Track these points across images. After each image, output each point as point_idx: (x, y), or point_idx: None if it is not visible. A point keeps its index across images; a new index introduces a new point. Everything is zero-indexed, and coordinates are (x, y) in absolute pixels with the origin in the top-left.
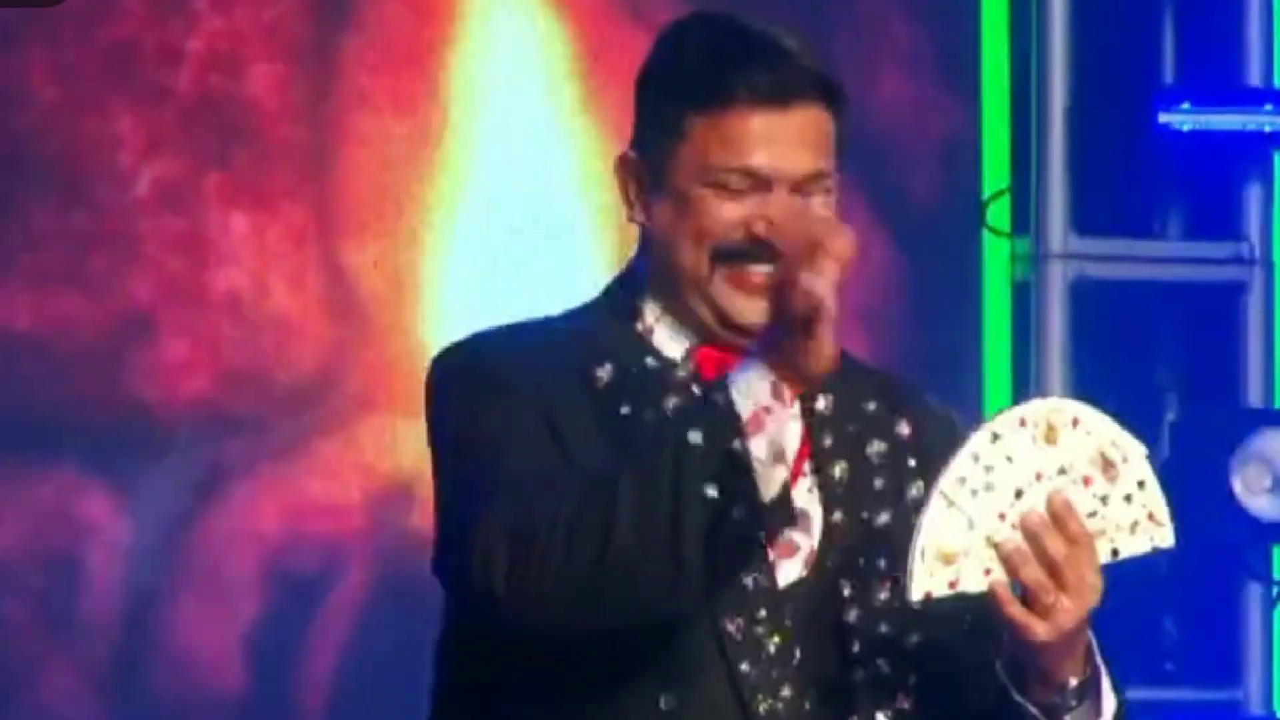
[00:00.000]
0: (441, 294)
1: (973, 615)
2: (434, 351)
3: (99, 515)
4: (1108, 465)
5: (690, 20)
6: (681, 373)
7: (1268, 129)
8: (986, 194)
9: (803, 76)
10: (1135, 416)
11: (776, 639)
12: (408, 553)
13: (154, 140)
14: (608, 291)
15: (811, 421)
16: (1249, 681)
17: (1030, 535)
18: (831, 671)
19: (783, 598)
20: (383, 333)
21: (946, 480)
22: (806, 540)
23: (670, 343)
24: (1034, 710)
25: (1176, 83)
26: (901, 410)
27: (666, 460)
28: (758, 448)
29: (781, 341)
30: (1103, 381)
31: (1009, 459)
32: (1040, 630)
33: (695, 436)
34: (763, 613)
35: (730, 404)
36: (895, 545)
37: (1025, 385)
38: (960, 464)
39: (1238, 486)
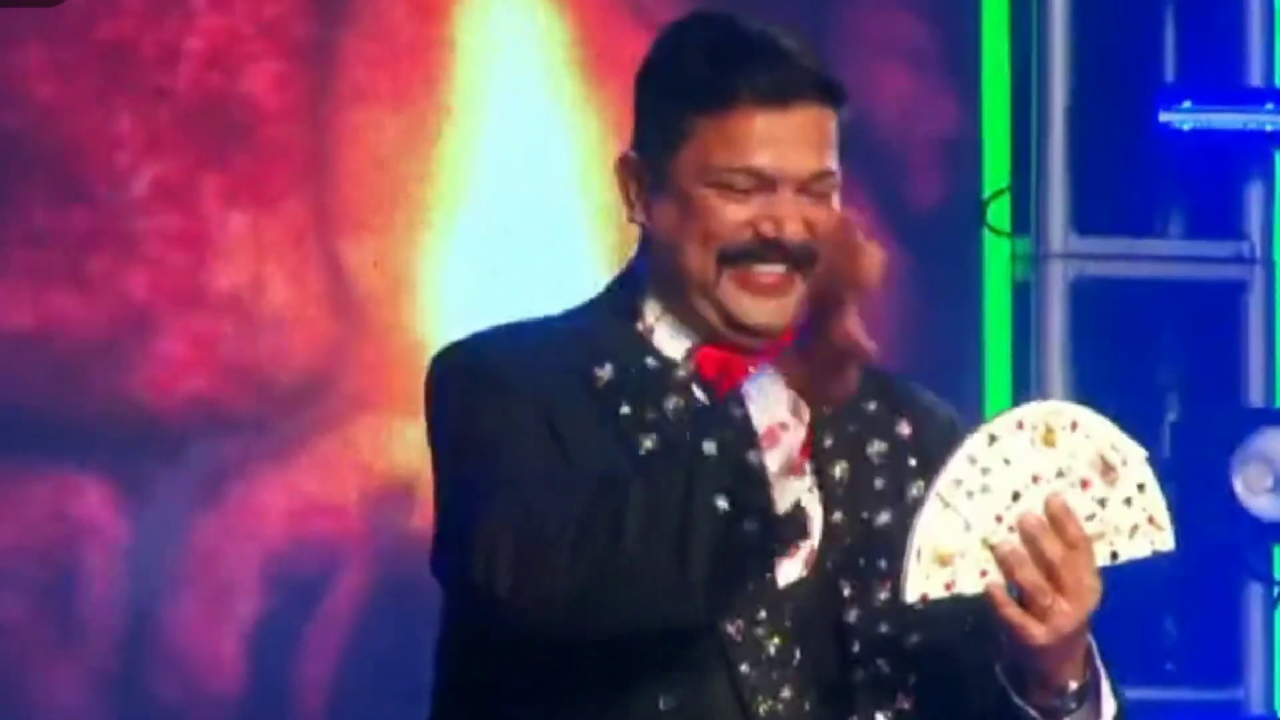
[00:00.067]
0: (441, 292)
1: (973, 616)
2: (433, 350)
3: (97, 515)
4: (1107, 468)
5: (689, 20)
6: (682, 373)
7: (1269, 128)
8: (987, 193)
9: (804, 76)
10: (1136, 416)
11: (776, 640)
12: (407, 552)
13: (153, 138)
14: (608, 291)
15: (812, 421)
16: (1250, 682)
17: (1027, 537)
18: (831, 672)
19: (783, 598)
20: (382, 331)
21: (942, 482)
22: (806, 540)
23: (670, 342)
24: (1033, 713)
25: (1177, 82)
26: (902, 410)
27: (679, 469)
28: (772, 461)
29: (806, 362)
30: (1103, 381)
31: (1006, 461)
32: (1037, 632)
33: (710, 447)
34: (762, 613)
35: (746, 417)
36: (896, 545)
37: (1026, 385)
38: (956, 466)
39: (1239, 486)
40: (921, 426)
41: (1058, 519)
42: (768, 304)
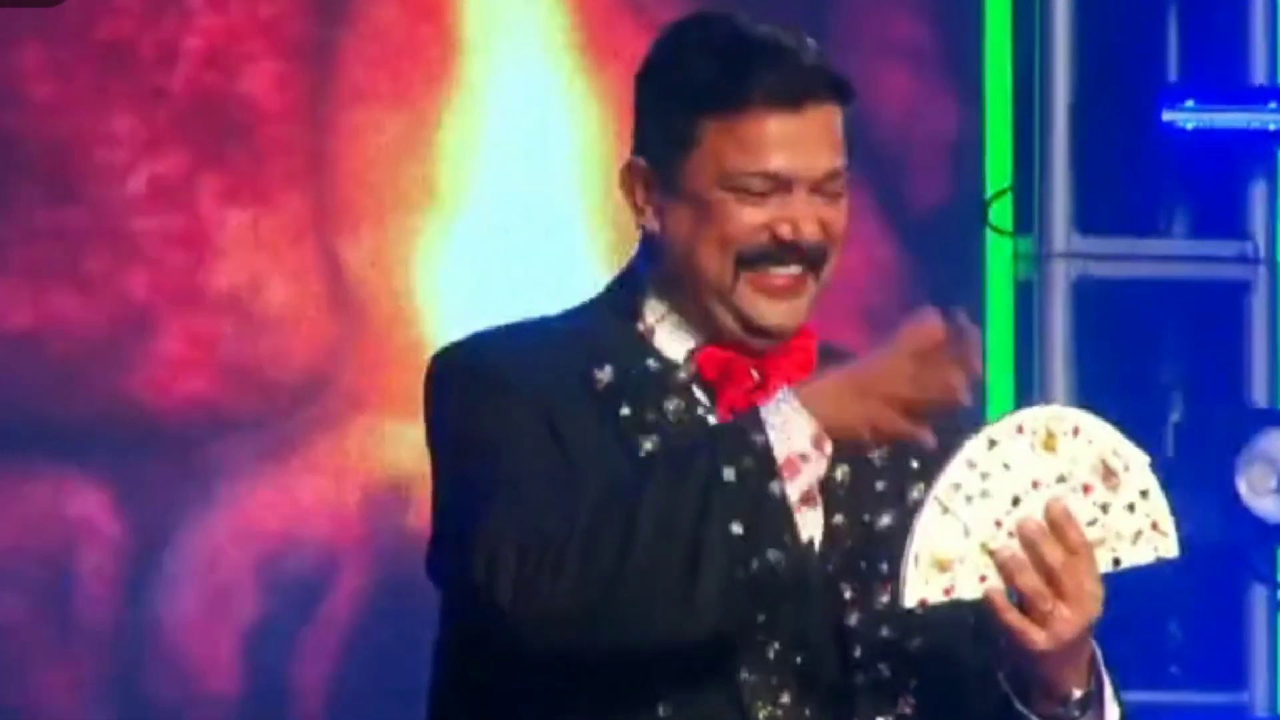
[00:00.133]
0: (440, 292)
1: (975, 619)
2: (432, 349)
3: (94, 514)
4: (1109, 474)
5: (690, 21)
6: (682, 374)
7: (1272, 127)
8: (989, 193)
9: (815, 75)
10: (1139, 417)
11: (776, 644)
12: (406, 553)
13: (150, 137)
14: (608, 291)
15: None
16: (1254, 684)
17: (1028, 543)
18: (832, 676)
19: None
20: (381, 331)
21: (941, 486)
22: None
23: (672, 343)
24: None
25: (1180, 81)
26: None
27: (693, 492)
28: (791, 492)
29: (846, 407)
30: (1106, 382)
31: (1006, 466)
32: (1038, 638)
33: (729, 474)
34: (762, 617)
35: (767, 445)
36: (897, 548)
37: (1028, 385)
38: (955, 470)
39: (1242, 487)
40: None
41: (1058, 524)
42: (782, 305)
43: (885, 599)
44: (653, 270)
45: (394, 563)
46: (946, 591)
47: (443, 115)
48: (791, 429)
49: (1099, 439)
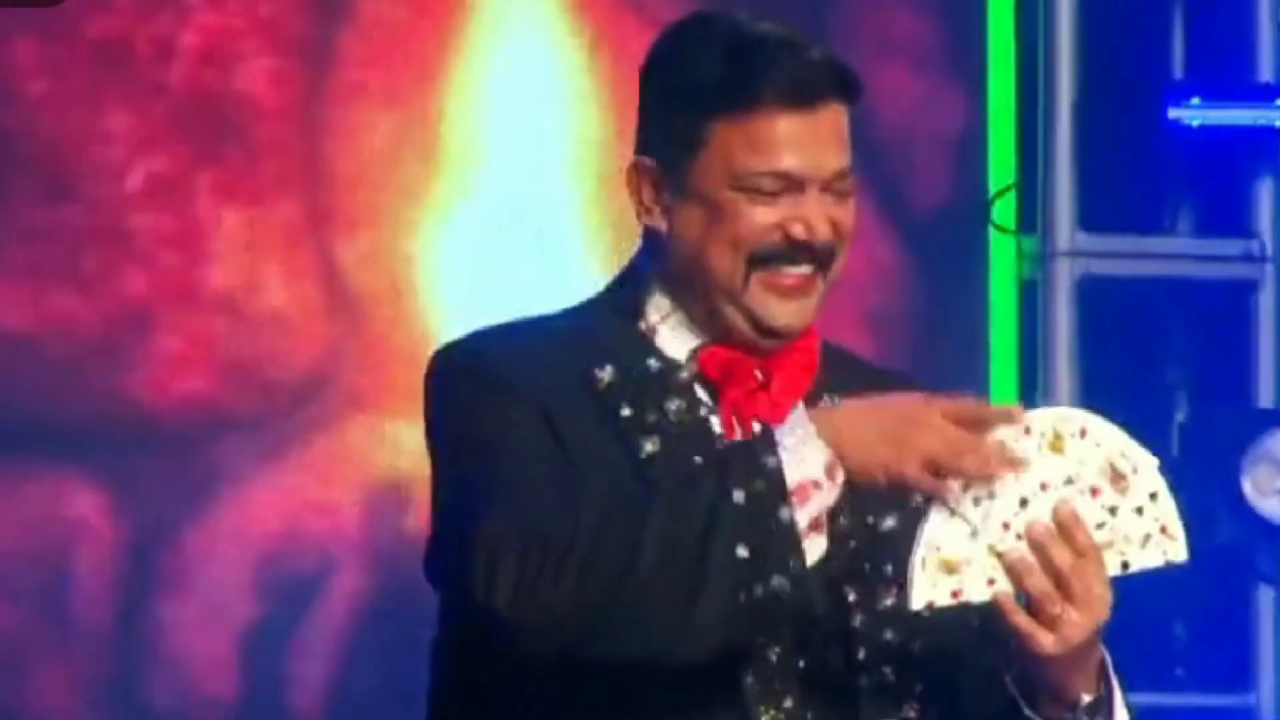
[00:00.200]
0: (437, 291)
1: (981, 622)
2: (430, 350)
3: (90, 515)
4: (1117, 476)
5: (692, 21)
6: (684, 374)
7: (1278, 124)
8: (992, 191)
9: (824, 74)
10: (1144, 417)
11: (779, 647)
12: (404, 553)
13: (146, 136)
14: (609, 290)
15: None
16: (1261, 686)
17: (1036, 545)
18: (835, 679)
19: None
20: (378, 330)
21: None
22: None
23: (674, 342)
24: None
25: (1186, 78)
26: None
27: (700, 511)
28: (800, 518)
29: (868, 447)
30: (1111, 381)
31: None
32: (1046, 641)
33: (738, 495)
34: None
35: (779, 468)
36: (901, 550)
37: (1032, 384)
38: None
39: (1248, 488)
40: None
41: (1066, 527)
42: (792, 305)
43: (889, 601)
44: (657, 269)
45: (393, 564)
46: (954, 594)
47: (441, 113)
48: (806, 453)
49: (1107, 441)
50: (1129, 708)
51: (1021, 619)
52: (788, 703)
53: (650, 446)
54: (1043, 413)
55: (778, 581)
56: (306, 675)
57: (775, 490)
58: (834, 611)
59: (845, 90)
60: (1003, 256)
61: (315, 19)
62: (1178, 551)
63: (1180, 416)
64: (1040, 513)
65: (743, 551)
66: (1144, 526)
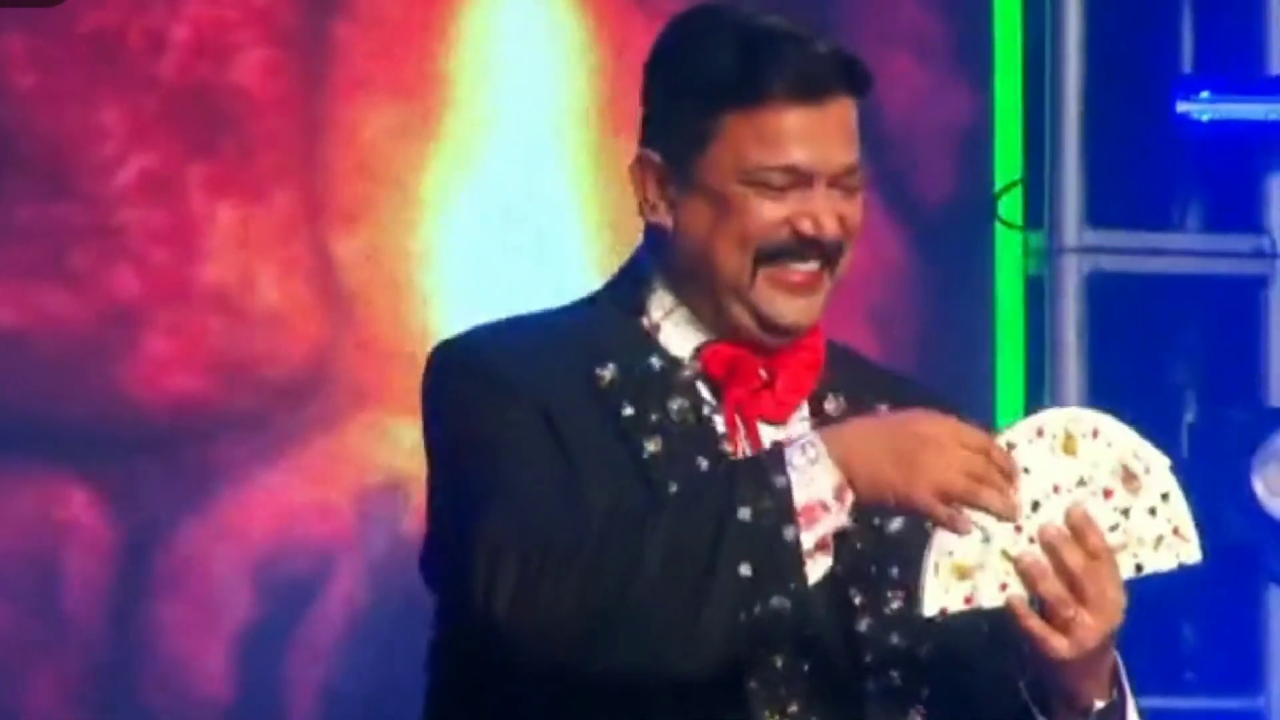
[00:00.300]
0: (435, 288)
1: (990, 624)
2: (428, 348)
3: (83, 515)
4: (1129, 477)
5: (698, 13)
6: (687, 372)
7: None
8: (999, 186)
9: (834, 68)
10: (1152, 416)
11: (784, 651)
12: (401, 554)
13: (139, 130)
14: (611, 285)
15: (821, 424)
16: (1271, 689)
17: (1049, 548)
18: (841, 683)
19: None
20: (375, 328)
21: None
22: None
23: (677, 339)
24: None
25: (1195, 72)
26: None
27: (705, 527)
28: (806, 540)
29: (878, 469)
30: (1119, 379)
31: (1025, 470)
32: (1060, 646)
33: (744, 513)
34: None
35: (788, 488)
36: (907, 552)
37: (1039, 382)
38: None
39: (1258, 488)
40: None
41: (1079, 529)
42: (799, 302)
43: (896, 604)
44: (660, 264)
45: (389, 564)
46: (968, 600)
47: (442, 105)
48: (815, 474)
49: (1119, 441)
50: (1141, 713)
51: (1035, 623)
52: (793, 707)
53: (652, 446)
54: (1054, 414)
55: (778, 601)
56: (303, 677)
57: (782, 510)
58: (839, 615)
59: (854, 84)
60: (1009, 252)
61: (311, 10)
62: (1191, 553)
63: (1189, 416)
64: (1053, 515)
65: (745, 570)
66: (1157, 528)
